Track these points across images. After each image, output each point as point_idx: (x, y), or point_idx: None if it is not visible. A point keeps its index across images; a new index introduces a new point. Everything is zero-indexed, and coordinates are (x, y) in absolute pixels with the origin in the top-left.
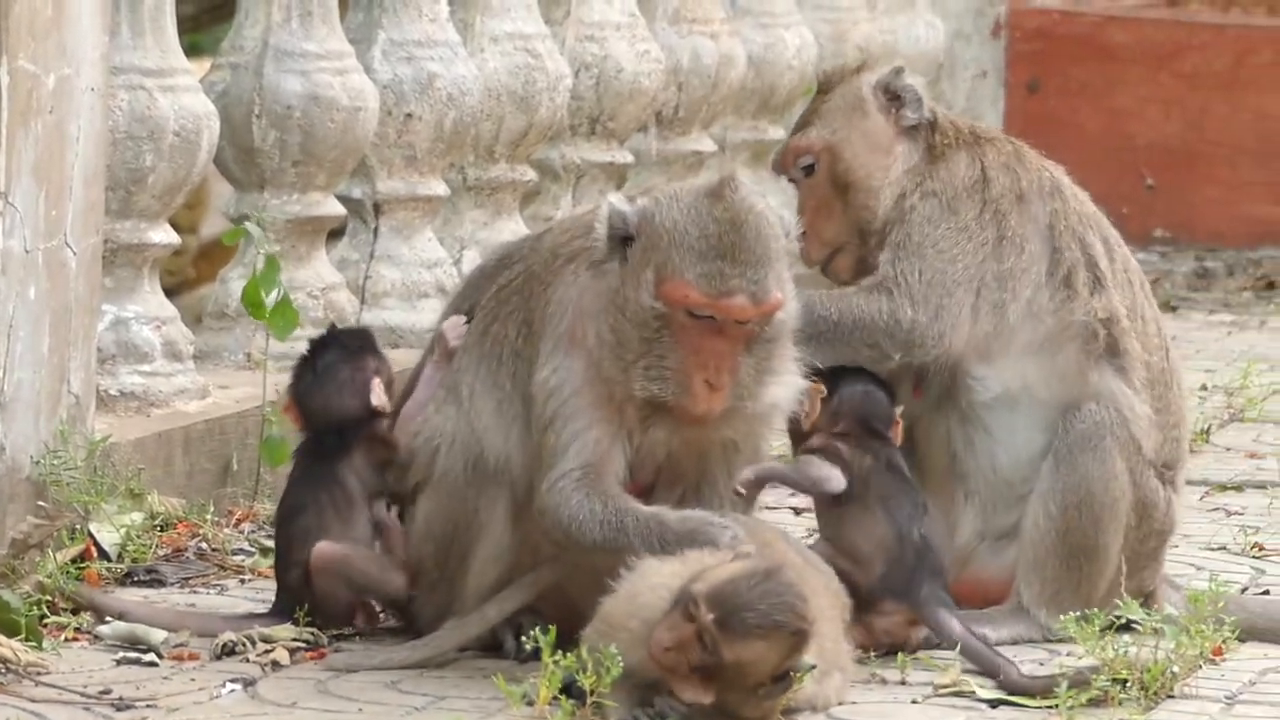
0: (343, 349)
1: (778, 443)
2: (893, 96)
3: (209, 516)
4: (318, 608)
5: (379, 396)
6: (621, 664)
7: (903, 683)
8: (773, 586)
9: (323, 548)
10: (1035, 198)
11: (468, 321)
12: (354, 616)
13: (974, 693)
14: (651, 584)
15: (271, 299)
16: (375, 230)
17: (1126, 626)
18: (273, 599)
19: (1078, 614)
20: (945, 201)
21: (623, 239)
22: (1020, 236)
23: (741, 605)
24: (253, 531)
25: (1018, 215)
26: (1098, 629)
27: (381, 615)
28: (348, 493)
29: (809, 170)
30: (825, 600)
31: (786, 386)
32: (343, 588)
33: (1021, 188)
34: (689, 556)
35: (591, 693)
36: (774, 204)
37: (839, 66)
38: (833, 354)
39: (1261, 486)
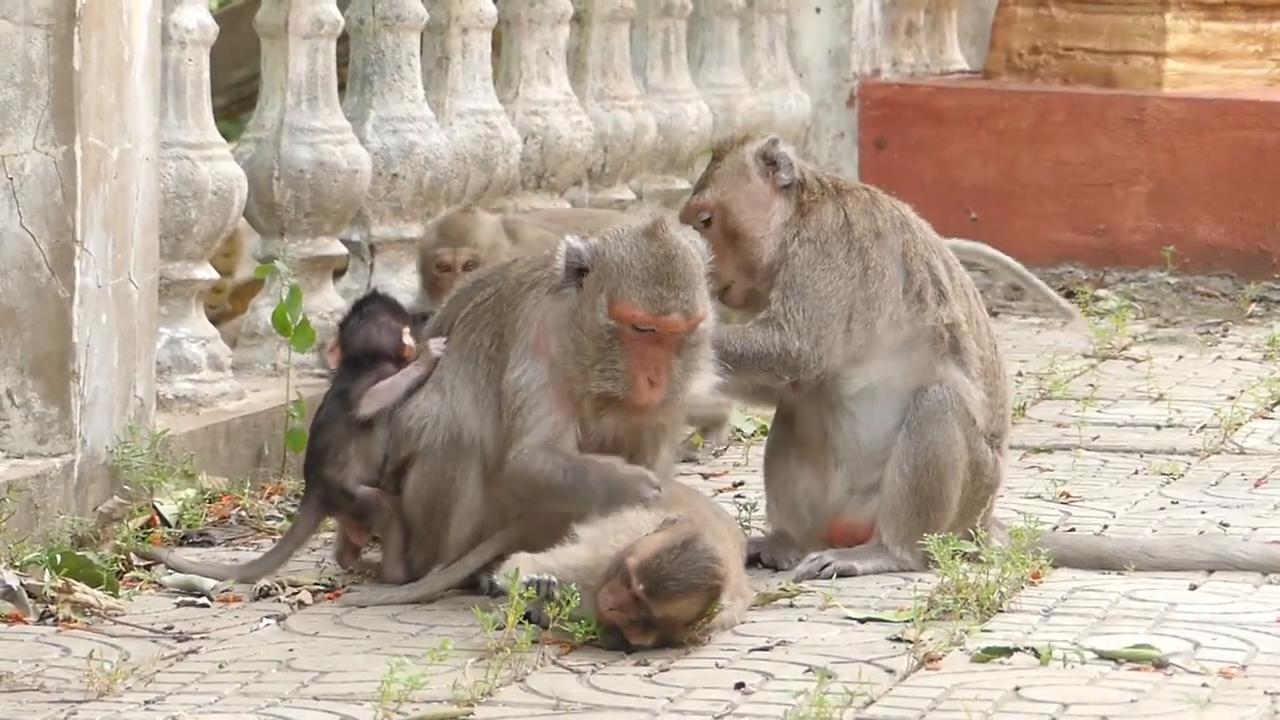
0: (383, 302)
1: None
2: (770, 162)
3: (247, 491)
4: (344, 510)
5: (409, 340)
6: (563, 577)
7: (791, 605)
8: (690, 556)
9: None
10: (890, 233)
11: (446, 338)
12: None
13: (846, 613)
14: (611, 544)
15: (295, 321)
16: (370, 266)
17: (967, 558)
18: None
19: (940, 536)
20: (819, 246)
21: (578, 270)
22: (881, 265)
23: (665, 576)
24: (281, 502)
25: (877, 249)
26: (951, 549)
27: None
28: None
29: (707, 223)
30: (730, 542)
31: (704, 380)
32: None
33: (878, 226)
34: (634, 520)
35: (554, 619)
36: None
37: (729, 136)
38: (738, 378)
39: (1067, 449)
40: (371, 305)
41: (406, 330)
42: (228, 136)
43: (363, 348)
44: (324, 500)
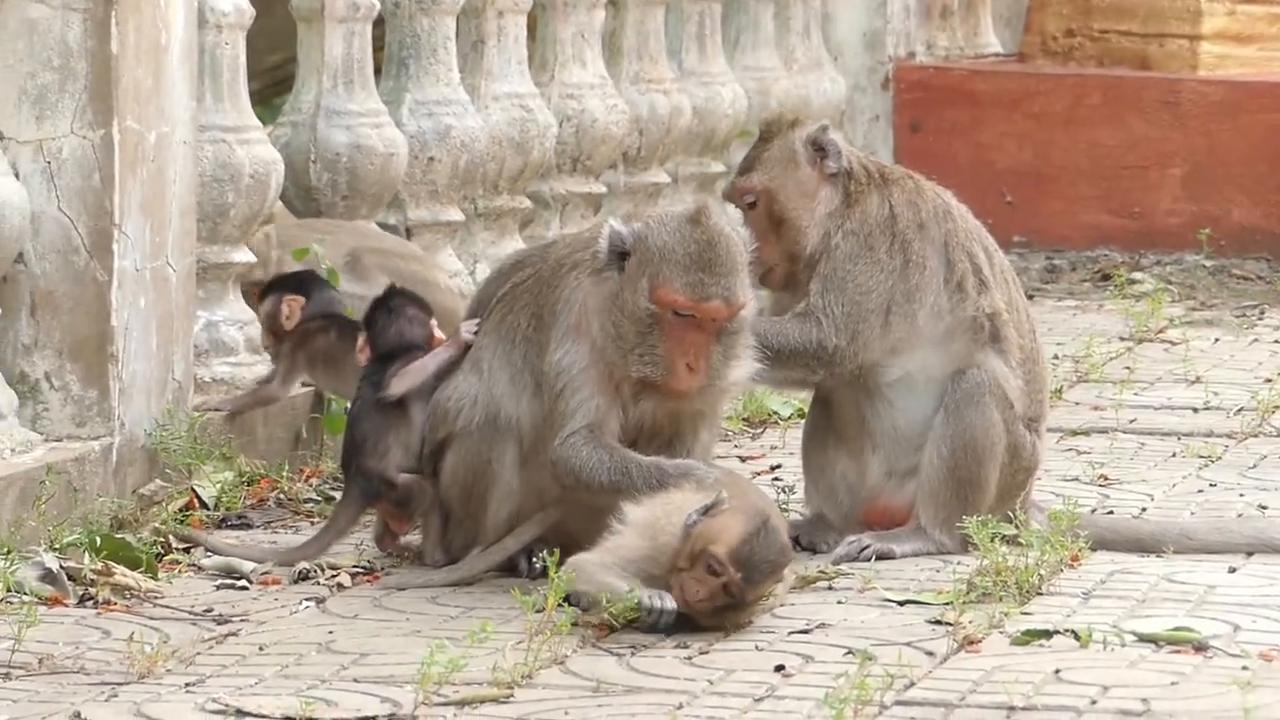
0: (407, 297)
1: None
2: (819, 149)
3: (285, 474)
4: (386, 499)
5: (438, 331)
6: (627, 571)
7: (830, 587)
8: (772, 538)
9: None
10: (932, 223)
11: (478, 320)
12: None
13: (885, 595)
14: (666, 529)
15: None
16: None
17: (1006, 540)
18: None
19: (978, 519)
20: (862, 239)
21: (620, 254)
22: (922, 257)
23: (758, 561)
24: (319, 484)
25: (919, 241)
26: (990, 531)
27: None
28: (397, 406)
29: (752, 205)
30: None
31: (744, 368)
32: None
33: (922, 218)
34: (681, 501)
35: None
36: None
37: (778, 116)
38: (774, 373)
39: (1103, 431)
40: (396, 300)
41: (433, 320)
42: (261, 120)
43: (397, 343)
44: (365, 491)
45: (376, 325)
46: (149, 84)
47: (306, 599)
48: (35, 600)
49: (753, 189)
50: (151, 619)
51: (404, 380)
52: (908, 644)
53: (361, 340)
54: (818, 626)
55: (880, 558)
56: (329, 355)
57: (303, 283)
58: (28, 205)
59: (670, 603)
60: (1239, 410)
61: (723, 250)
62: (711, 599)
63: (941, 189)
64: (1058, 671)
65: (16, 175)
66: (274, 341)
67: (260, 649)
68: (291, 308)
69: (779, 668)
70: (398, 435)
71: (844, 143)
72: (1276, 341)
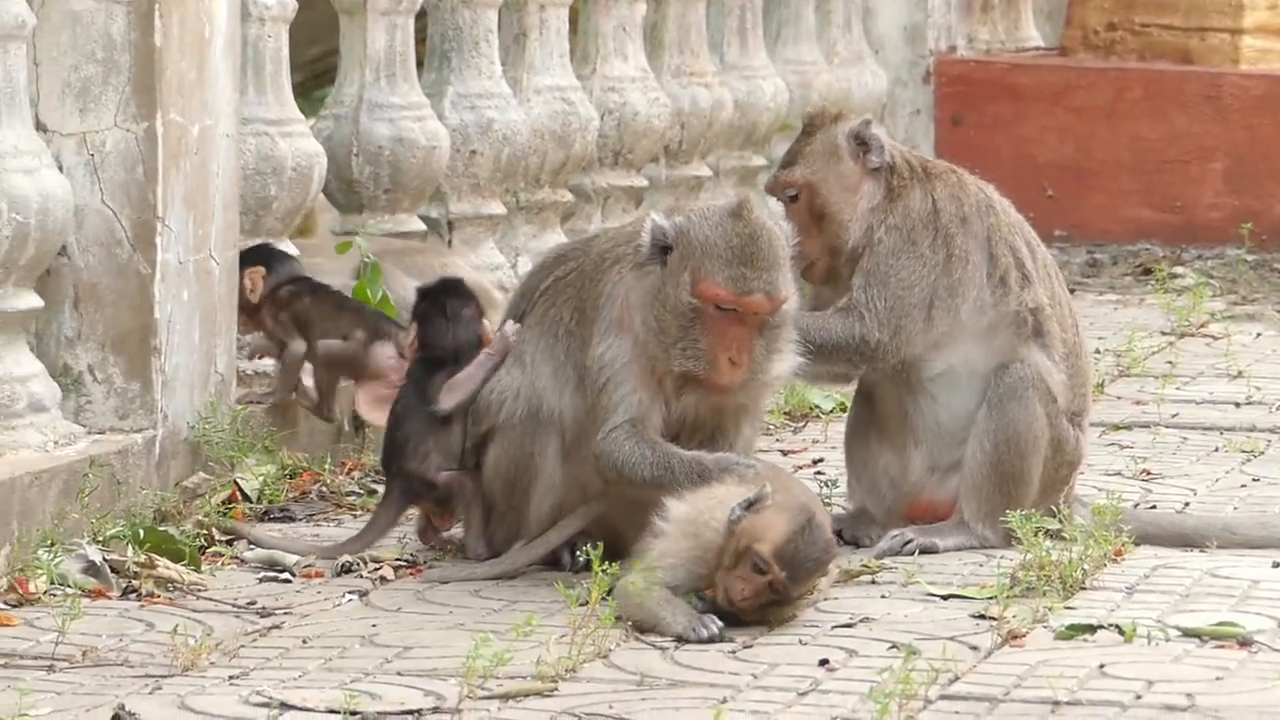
0: (461, 297)
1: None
2: (862, 143)
3: (327, 467)
4: (428, 499)
5: (487, 330)
6: (676, 578)
7: (873, 582)
8: (817, 535)
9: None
10: (975, 218)
11: (519, 321)
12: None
13: (928, 589)
14: (710, 524)
15: (376, 296)
16: (449, 242)
17: (1049, 534)
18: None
19: (1021, 513)
20: (905, 234)
21: (663, 248)
22: (965, 251)
23: (803, 559)
24: (361, 478)
25: (962, 235)
26: (1034, 525)
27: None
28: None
29: (794, 199)
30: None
31: (787, 361)
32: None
33: (964, 212)
34: (724, 495)
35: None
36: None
37: (821, 110)
38: (816, 367)
39: (1146, 426)
40: (453, 302)
41: (484, 320)
42: (301, 113)
43: (453, 349)
44: (405, 491)
45: (433, 328)
46: (192, 77)
47: (349, 592)
48: (79, 593)
49: (795, 183)
50: (195, 612)
51: (454, 394)
52: (951, 638)
53: (412, 335)
54: (861, 621)
55: (923, 552)
56: (307, 319)
57: (262, 255)
58: (71, 198)
59: (714, 627)
60: None
61: (765, 244)
62: (757, 597)
63: (983, 183)
64: (1102, 666)
65: (60, 168)
66: (244, 319)
67: (304, 642)
68: (254, 280)
69: (823, 662)
70: (438, 440)
71: (886, 137)
72: None
